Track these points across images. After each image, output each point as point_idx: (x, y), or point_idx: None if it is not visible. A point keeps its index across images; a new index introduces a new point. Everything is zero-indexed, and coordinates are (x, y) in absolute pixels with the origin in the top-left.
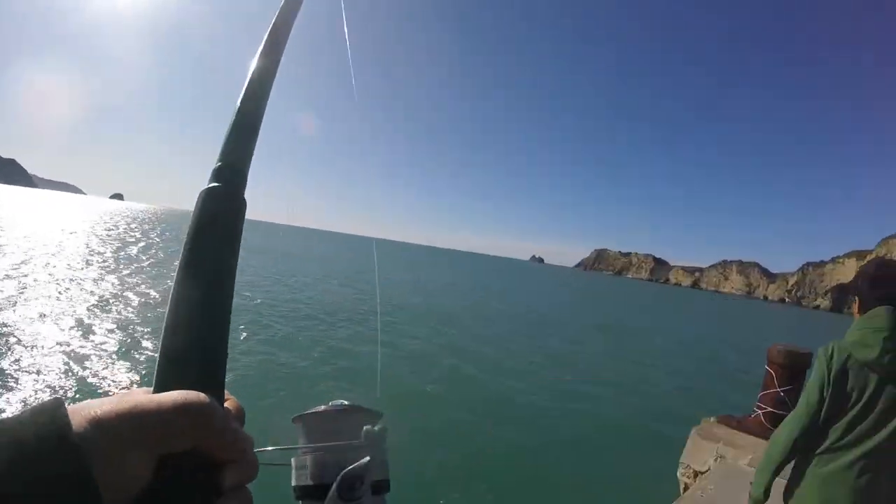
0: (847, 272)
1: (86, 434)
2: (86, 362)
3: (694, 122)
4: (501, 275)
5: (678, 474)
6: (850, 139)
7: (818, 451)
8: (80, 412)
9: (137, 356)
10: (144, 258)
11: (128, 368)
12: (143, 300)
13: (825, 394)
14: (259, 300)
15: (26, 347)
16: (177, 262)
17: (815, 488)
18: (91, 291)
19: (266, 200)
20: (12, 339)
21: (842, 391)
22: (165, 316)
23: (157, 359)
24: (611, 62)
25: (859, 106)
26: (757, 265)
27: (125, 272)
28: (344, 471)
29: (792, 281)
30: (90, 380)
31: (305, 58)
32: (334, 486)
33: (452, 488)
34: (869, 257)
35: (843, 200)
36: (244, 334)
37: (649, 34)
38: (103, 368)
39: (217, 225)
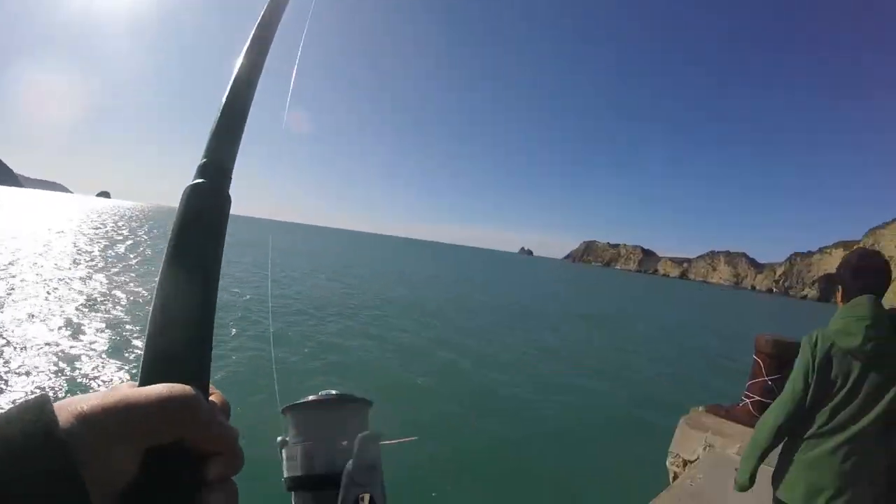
0: (834, 262)
1: (72, 430)
2: (75, 362)
3: (684, 116)
4: (492, 267)
5: (667, 463)
6: (838, 131)
7: (804, 436)
8: (67, 408)
9: (126, 354)
10: (132, 256)
11: (117, 367)
12: (131, 298)
13: (810, 380)
14: (248, 296)
15: (14, 348)
16: (163, 258)
17: (801, 473)
18: (79, 291)
19: (249, 192)
20: (0, 340)
21: (826, 378)
22: (151, 310)
23: (143, 353)
24: (604, 55)
25: (845, 99)
26: (744, 255)
27: (113, 271)
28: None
29: (779, 271)
30: (79, 379)
31: (293, 54)
32: (347, 469)
33: (441, 479)
34: (856, 248)
35: (830, 191)
36: (234, 330)
37: (637, 23)
38: (92, 367)
39: (202, 220)
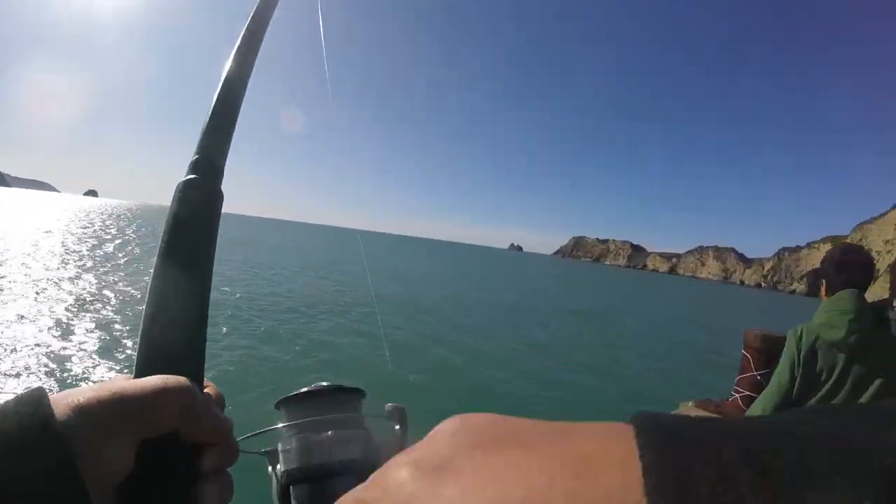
0: (822, 257)
1: (69, 422)
2: (64, 361)
3: (679, 116)
4: (482, 263)
5: None
6: (827, 128)
7: None
8: (63, 400)
9: (116, 353)
10: (121, 255)
11: (107, 366)
12: (120, 297)
13: (796, 373)
14: (238, 294)
15: (3, 348)
16: (155, 254)
17: None
18: (68, 290)
19: (240, 190)
20: None
21: (812, 370)
22: (145, 304)
23: (137, 346)
24: (604, 55)
25: (834, 96)
26: (733, 251)
27: (102, 270)
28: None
29: (768, 266)
30: (69, 378)
31: (286, 52)
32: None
33: None
34: (844, 243)
35: (818, 186)
36: (224, 329)
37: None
38: (82, 366)
39: (194, 216)
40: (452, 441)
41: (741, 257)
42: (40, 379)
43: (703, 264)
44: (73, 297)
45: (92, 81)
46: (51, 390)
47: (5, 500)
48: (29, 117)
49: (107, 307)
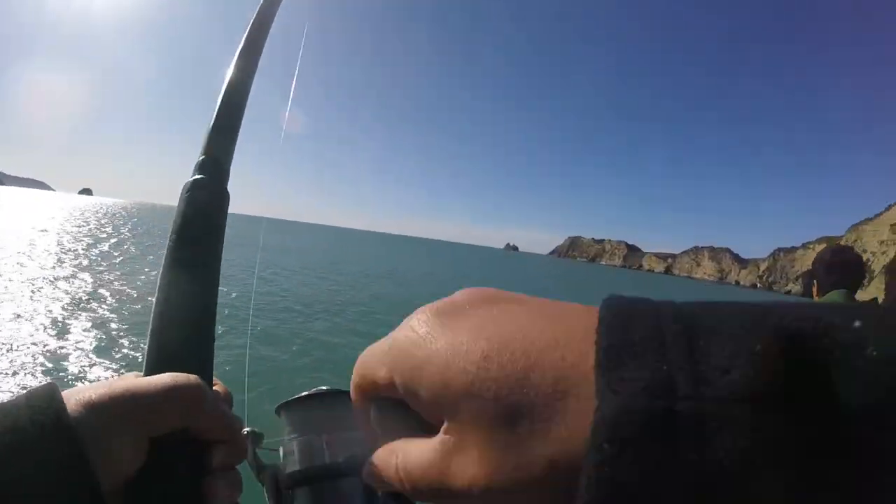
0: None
1: (80, 417)
2: (61, 360)
3: (679, 116)
4: (479, 263)
5: None
6: (824, 128)
7: None
8: (74, 396)
9: (113, 352)
10: (116, 254)
11: (104, 366)
12: (118, 297)
13: None
14: (235, 294)
15: (1, 349)
16: (159, 252)
17: None
18: (65, 290)
19: (243, 190)
20: None
21: None
22: (154, 303)
23: (147, 344)
24: (599, 54)
25: (831, 96)
26: (728, 251)
27: (99, 269)
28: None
29: (763, 266)
30: (65, 377)
31: (285, 52)
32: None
33: None
34: (839, 243)
35: (813, 187)
36: (220, 329)
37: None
38: (79, 364)
39: (202, 215)
40: (466, 297)
41: (737, 258)
42: (36, 377)
43: (698, 265)
44: (70, 295)
45: (89, 81)
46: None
47: (19, 492)
48: (25, 116)
49: (102, 306)
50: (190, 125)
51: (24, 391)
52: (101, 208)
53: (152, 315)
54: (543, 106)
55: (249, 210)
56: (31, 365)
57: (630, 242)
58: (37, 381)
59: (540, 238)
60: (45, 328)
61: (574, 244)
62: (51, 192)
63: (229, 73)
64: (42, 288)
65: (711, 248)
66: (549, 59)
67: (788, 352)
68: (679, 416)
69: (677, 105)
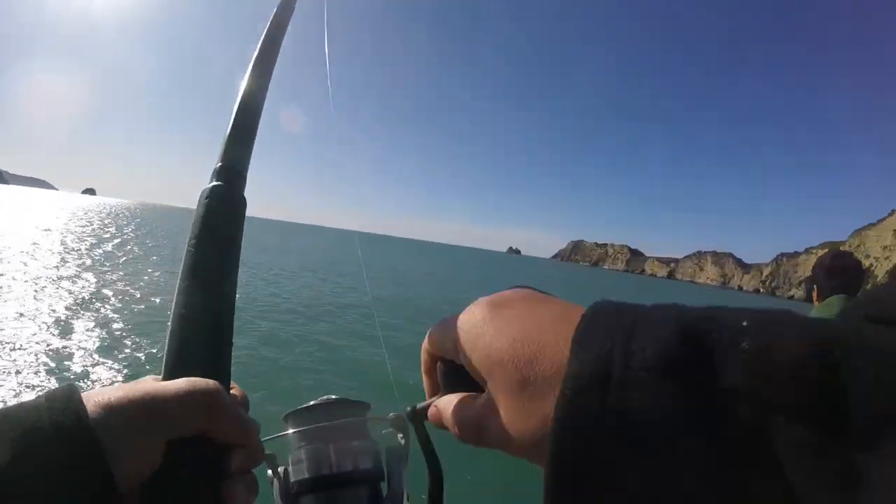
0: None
1: (99, 419)
2: (65, 361)
3: (679, 117)
4: (482, 267)
5: None
6: (826, 128)
7: None
8: (93, 398)
9: (117, 353)
10: (120, 254)
11: (108, 367)
12: (121, 297)
13: None
14: (237, 295)
15: (4, 348)
16: (163, 253)
17: None
18: (68, 290)
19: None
20: None
21: None
22: (173, 307)
23: (166, 348)
24: (599, 54)
25: (834, 99)
26: (731, 256)
27: (102, 269)
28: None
29: (766, 271)
30: (69, 378)
31: (286, 50)
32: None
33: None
34: (842, 248)
35: (817, 192)
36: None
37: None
38: (83, 366)
39: (220, 221)
40: (512, 294)
41: (739, 262)
42: (39, 376)
43: (701, 269)
44: (73, 295)
45: (89, 81)
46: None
47: (38, 491)
48: (26, 116)
49: (105, 306)
50: (190, 125)
51: (44, 391)
52: (104, 208)
53: (171, 319)
54: (543, 106)
55: (249, 212)
56: (34, 364)
57: (632, 245)
58: (40, 379)
59: (542, 240)
60: (49, 328)
61: (577, 248)
62: (54, 191)
63: (245, 80)
64: (45, 287)
65: (714, 253)
66: (549, 59)
67: (685, 339)
68: (612, 378)
69: (677, 105)
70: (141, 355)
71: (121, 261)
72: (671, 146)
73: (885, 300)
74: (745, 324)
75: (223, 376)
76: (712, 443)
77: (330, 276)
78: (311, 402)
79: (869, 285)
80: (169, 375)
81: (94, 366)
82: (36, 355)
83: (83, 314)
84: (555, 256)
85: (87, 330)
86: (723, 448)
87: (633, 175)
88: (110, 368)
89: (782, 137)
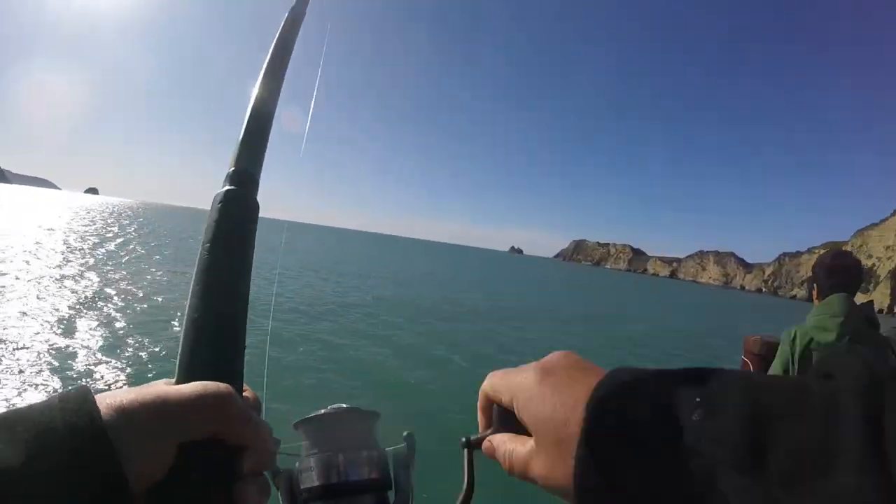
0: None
1: (112, 421)
2: (69, 360)
3: (679, 117)
4: (484, 267)
5: None
6: (826, 128)
7: None
8: (106, 400)
9: (121, 352)
10: (123, 254)
11: (111, 365)
12: (125, 296)
13: (791, 374)
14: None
15: (7, 347)
16: (165, 252)
17: None
18: (72, 289)
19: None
20: None
21: (807, 371)
22: (186, 310)
23: (179, 351)
24: (599, 54)
25: (835, 98)
26: (733, 255)
27: (106, 268)
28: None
29: (768, 271)
30: (72, 377)
31: (308, 60)
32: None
33: (439, 471)
34: (845, 248)
35: (818, 192)
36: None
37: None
38: (87, 365)
39: (233, 225)
40: (556, 360)
41: (742, 262)
42: (42, 374)
43: (703, 269)
44: (78, 296)
45: (90, 81)
46: (55, 392)
47: (51, 492)
48: (28, 116)
49: (110, 306)
50: (190, 125)
51: (58, 393)
52: (107, 208)
53: (184, 323)
54: (543, 106)
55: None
56: (38, 363)
57: (634, 245)
58: (44, 378)
59: (543, 240)
60: (53, 327)
61: (579, 247)
62: (57, 190)
63: (256, 86)
64: (49, 287)
65: (716, 253)
66: (549, 59)
67: (660, 408)
68: (609, 436)
69: (677, 105)
70: (144, 354)
71: (124, 260)
72: (671, 146)
73: (826, 360)
74: (697, 399)
75: (236, 379)
76: (678, 487)
77: (332, 276)
78: (322, 411)
79: (871, 285)
80: (182, 378)
81: (97, 364)
82: (39, 354)
83: (86, 313)
84: (557, 256)
85: (91, 329)
86: (687, 491)
87: (634, 175)
88: (113, 367)
89: (782, 137)
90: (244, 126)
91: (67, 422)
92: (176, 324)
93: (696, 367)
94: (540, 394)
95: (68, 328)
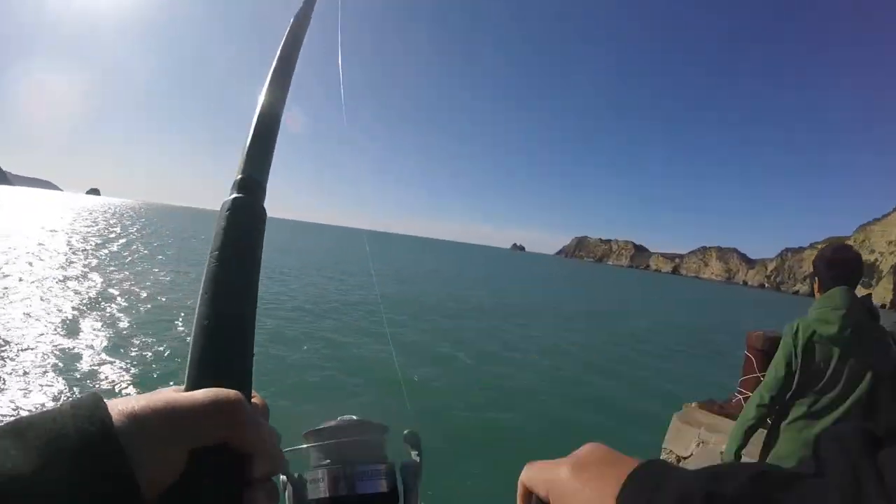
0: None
1: (124, 428)
2: (75, 361)
3: (680, 116)
4: (486, 264)
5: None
6: (829, 128)
7: (795, 417)
8: (118, 407)
9: (126, 352)
10: (126, 254)
11: (116, 366)
12: (130, 297)
13: (794, 366)
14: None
15: (13, 348)
16: (168, 252)
17: (795, 450)
18: (76, 290)
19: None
20: None
21: (811, 363)
22: (195, 318)
23: (189, 358)
24: (599, 54)
25: (836, 96)
26: (736, 251)
27: (110, 269)
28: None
29: (771, 266)
30: (76, 377)
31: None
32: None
33: (444, 469)
34: (847, 243)
35: (821, 187)
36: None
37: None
38: (92, 366)
39: (241, 232)
40: (587, 454)
41: (744, 258)
42: (47, 374)
43: (706, 265)
44: (81, 296)
45: (90, 81)
46: (60, 393)
47: (64, 499)
48: (28, 116)
49: (113, 306)
50: (190, 125)
51: (70, 399)
52: (109, 208)
53: (193, 330)
54: (543, 106)
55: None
56: (42, 363)
57: (637, 243)
58: (49, 379)
59: (546, 238)
60: (56, 327)
61: (581, 244)
62: (59, 192)
63: (263, 93)
64: (52, 288)
65: (719, 249)
66: (549, 59)
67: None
68: None
69: (677, 105)
70: (149, 353)
71: (127, 260)
72: (671, 146)
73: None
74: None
75: (245, 386)
76: None
77: (335, 275)
78: (332, 423)
79: (874, 280)
80: (192, 385)
81: (102, 364)
82: (44, 355)
83: (91, 314)
84: (559, 253)
85: (95, 329)
86: None
87: (634, 175)
88: (118, 367)
89: (783, 137)
90: (251, 133)
91: (79, 428)
92: (180, 323)
93: (716, 467)
94: (573, 489)
95: (73, 329)
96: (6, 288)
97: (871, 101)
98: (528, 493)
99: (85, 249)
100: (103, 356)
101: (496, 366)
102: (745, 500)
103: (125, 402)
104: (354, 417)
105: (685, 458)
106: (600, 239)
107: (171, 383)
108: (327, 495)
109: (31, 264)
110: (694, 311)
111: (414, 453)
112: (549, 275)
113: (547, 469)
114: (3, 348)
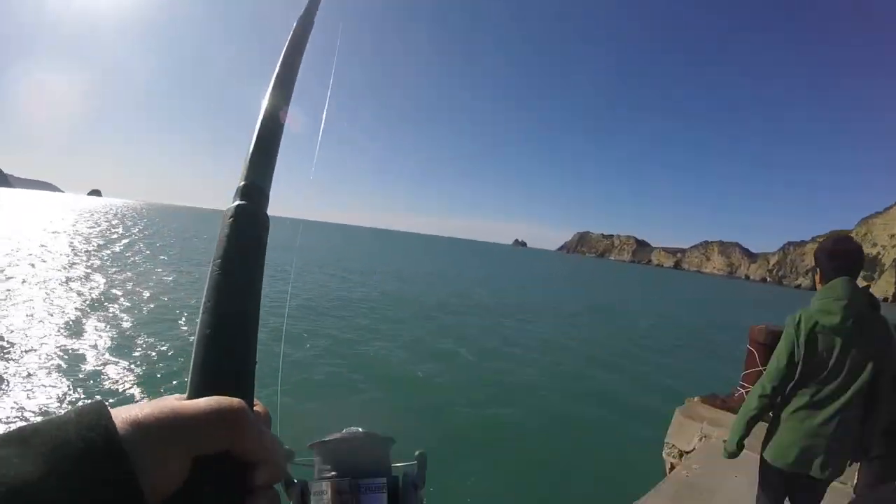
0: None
1: (127, 436)
2: (78, 362)
3: (674, 111)
4: (489, 259)
5: (663, 454)
6: (830, 120)
7: (797, 407)
8: (122, 415)
9: (129, 353)
10: (128, 255)
11: (120, 367)
12: (131, 298)
13: (797, 357)
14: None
15: (15, 351)
16: (171, 252)
17: (796, 440)
18: (79, 291)
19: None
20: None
21: (813, 354)
22: (198, 326)
23: (191, 366)
24: (599, 54)
25: (838, 89)
26: (738, 245)
27: (111, 270)
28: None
29: (773, 260)
30: (79, 377)
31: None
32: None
33: (446, 466)
34: (849, 236)
35: (823, 181)
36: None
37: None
38: (95, 367)
39: (245, 240)
40: None
41: (746, 252)
42: (51, 376)
43: (707, 259)
44: (84, 298)
45: (90, 81)
46: (64, 396)
47: None
48: (28, 116)
49: (116, 307)
50: (190, 125)
51: (74, 407)
52: (110, 209)
53: (196, 338)
54: (544, 105)
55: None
56: (46, 364)
57: (639, 237)
58: (52, 381)
59: (548, 234)
60: (60, 329)
61: (583, 239)
62: (60, 193)
63: (266, 99)
64: (55, 289)
65: (721, 243)
66: (549, 58)
67: None
68: None
69: (677, 104)
70: (152, 353)
71: (129, 261)
72: (671, 144)
73: None
74: None
75: (247, 394)
76: None
77: (337, 272)
78: (338, 435)
79: (876, 273)
80: (194, 393)
81: (105, 365)
82: (48, 356)
83: (94, 314)
84: (561, 248)
85: (99, 330)
86: None
87: (634, 173)
88: (122, 368)
89: (782, 137)
90: (254, 139)
91: (83, 436)
92: (183, 323)
93: None
94: None
95: (76, 330)
96: (9, 290)
97: (867, 102)
98: None
99: (87, 250)
100: (107, 357)
101: (497, 361)
102: None
103: (129, 410)
104: (360, 430)
105: (688, 453)
106: (602, 234)
107: (174, 383)
108: None
109: (33, 266)
110: (695, 306)
111: (419, 470)
112: (550, 271)
113: None
114: (6, 350)
